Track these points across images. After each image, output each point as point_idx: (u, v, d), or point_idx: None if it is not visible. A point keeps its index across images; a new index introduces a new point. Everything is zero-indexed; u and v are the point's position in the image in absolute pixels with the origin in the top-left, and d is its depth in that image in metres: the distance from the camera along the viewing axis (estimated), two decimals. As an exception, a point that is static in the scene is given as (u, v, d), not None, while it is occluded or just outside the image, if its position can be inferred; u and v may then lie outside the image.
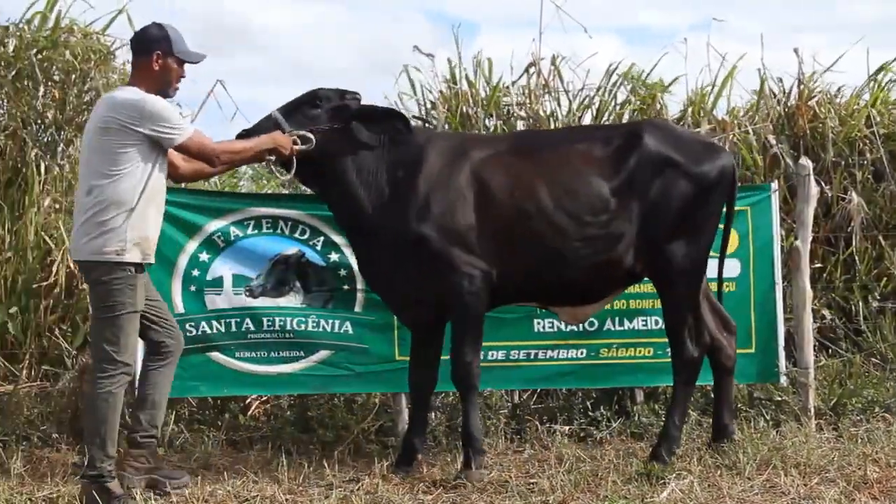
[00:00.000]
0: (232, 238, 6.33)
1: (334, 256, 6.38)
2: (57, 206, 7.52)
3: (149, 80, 5.20)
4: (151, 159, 5.10)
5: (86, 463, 5.06)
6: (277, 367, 6.31)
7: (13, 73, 7.28)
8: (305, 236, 6.39)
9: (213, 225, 6.32)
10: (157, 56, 5.19)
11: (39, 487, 5.14)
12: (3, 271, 7.16)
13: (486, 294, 5.49)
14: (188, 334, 6.19)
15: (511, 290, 5.63)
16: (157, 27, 5.31)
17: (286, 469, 5.49)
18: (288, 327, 6.32)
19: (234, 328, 6.29)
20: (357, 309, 6.38)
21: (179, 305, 6.24)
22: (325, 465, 5.57)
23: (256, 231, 6.34)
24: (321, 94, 5.59)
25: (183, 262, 6.27)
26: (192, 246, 6.29)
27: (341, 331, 6.37)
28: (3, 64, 7.30)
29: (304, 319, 6.35)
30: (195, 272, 6.28)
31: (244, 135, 5.50)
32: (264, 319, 6.30)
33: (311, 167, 5.54)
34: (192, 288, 6.27)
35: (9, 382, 6.80)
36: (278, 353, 6.32)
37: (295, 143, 5.39)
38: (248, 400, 6.62)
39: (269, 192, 8.73)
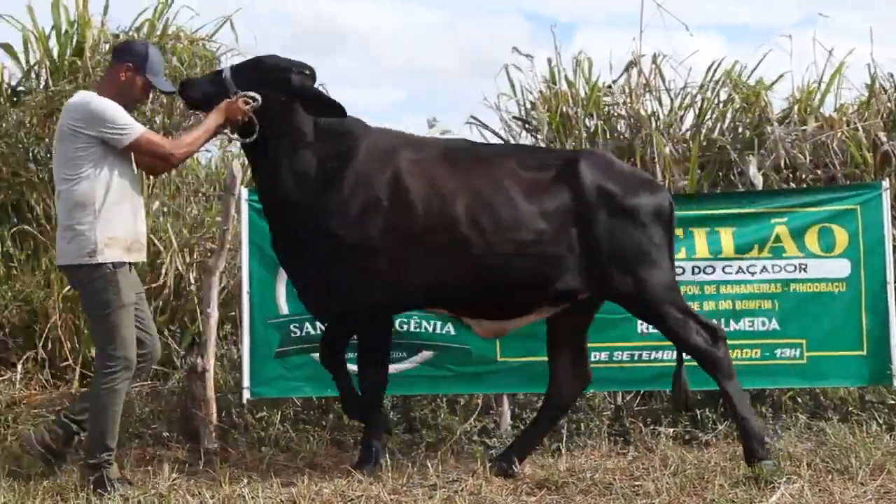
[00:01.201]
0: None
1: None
2: (165, 209, 7.70)
3: (112, 87, 5.29)
4: (110, 159, 5.15)
5: (84, 453, 5.26)
6: (381, 368, 6.34)
7: (123, 79, 7.42)
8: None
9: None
10: (126, 67, 5.28)
11: (153, 484, 5.22)
12: (115, 273, 7.33)
13: (379, 302, 5.48)
14: (293, 335, 6.28)
15: (421, 297, 5.57)
16: (141, 44, 5.46)
17: (390, 469, 5.52)
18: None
19: (337, 329, 6.34)
20: (459, 310, 6.38)
21: (284, 307, 6.32)
22: (429, 465, 5.57)
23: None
24: (269, 61, 5.53)
25: (286, 264, 6.33)
26: (296, 248, 6.35)
27: (443, 332, 6.39)
28: (113, 71, 7.48)
29: (406, 320, 6.38)
30: (300, 274, 6.34)
31: (183, 85, 5.59)
32: (368, 321, 6.34)
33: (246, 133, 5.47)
34: (297, 290, 6.34)
35: (121, 382, 6.96)
36: (381, 354, 6.35)
37: (247, 102, 5.33)
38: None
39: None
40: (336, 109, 5.44)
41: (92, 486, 5.06)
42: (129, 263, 5.24)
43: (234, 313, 6.93)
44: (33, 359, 7.07)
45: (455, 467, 5.73)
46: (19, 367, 6.98)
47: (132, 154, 5.26)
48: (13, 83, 7.98)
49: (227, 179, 6.59)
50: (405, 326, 6.36)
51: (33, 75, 7.90)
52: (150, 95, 5.50)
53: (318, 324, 6.29)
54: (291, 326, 6.31)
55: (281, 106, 5.39)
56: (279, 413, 6.42)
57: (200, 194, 7.94)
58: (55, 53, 7.89)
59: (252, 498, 4.99)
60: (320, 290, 5.52)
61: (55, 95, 7.29)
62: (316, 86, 5.56)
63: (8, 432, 6.27)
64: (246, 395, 6.33)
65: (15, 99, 7.81)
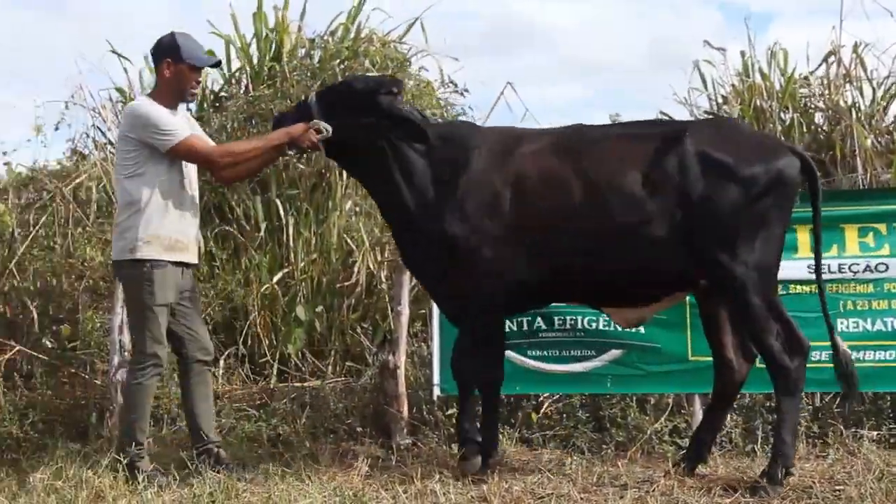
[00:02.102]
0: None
1: (624, 255, 6.33)
2: (357, 209, 7.87)
3: (164, 87, 5.47)
4: (157, 162, 5.32)
5: (116, 448, 5.44)
6: (569, 366, 6.33)
7: (318, 83, 7.63)
8: (596, 235, 6.35)
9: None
10: (167, 64, 5.44)
11: (348, 480, 5.31)
12: (310, 272, 7.55)
13: (503, 298, 5.44)
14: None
15: (550, 291, 5.54)
16: (168, 37, 5.51)
17: (580, 468, 5.49)
18: (579, 326, 6.33)
19: (525, 327, 6.36)
20: (649, 307, 6.30)
21: (473, 304, 6.35)
22: (619, 465, 5.52)
23: (547, 230, 6.36)
24: (355, 85, 5.60)
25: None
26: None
27: (632, 330, 6.30)
28: (309, 74, 7.70)
29: (594, 318, 6.34)
30: (488, 272, 6.38)
31: (276, 119, 5.71)
32: (556, 318, 6.34)
33: (344, 157, 5.67)
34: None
35: (316, 378, 7.16)
36: (570, 352, 6.35)
37: (318, 131, 5.40)
38: (541, 398, 6.66)
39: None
40: (419, 136, 5.46)
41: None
42: (174, 264, 5.41)
43: (424, 311, 7.02)
44: (234, 354, 7.33)
45: (645, 467, 5.67)
46: (221, 362, 7.25)
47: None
48: (216, 89, 8.33)
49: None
50: (594, 325, 6.33)
51: (234, 81, 8.22)
52: (202, 78, 5.64)
53: (507, 321, 6.31)
54: (482, 324, 6.35)
55: (375, 127, 5.44)
56: (469, 410, 6.44)
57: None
58: (255, 60, 8.20)
59: (443, 494, 5.02)
60: (453, 294, 5.58)
61: (255, 100, 7.56)
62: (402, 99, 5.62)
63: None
64: (436, 391, 6.43)
65: (217, 104, 8.15)
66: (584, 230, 5.28)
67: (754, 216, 5.17)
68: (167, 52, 5.47)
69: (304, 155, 5.92)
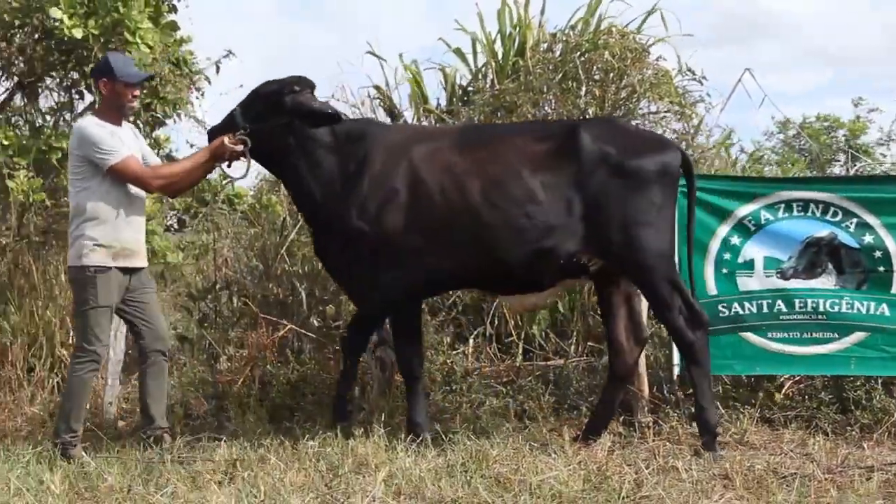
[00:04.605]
0: (762, 222, 6.47)
1: (868, 238, 6.32)
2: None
3: (106, 106, 5.88)
4: (102, 175, 5.68)
5: (52, 433, 5.85)
6: (810, 348, 6.36)
7: (559, 75, 7.89)
8: (837, 218, 6.37)
9: (744, 210, 6.50)
10: (104, 83, 5.80)
11: (592, 455, 5.49)
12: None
13: (406, 291, 5.79)
14: (720, 315, 6.42)
15: (445, 280, 5.91)
16: (103, 59, 5.93)
17: (823, 449, 5.54)
18: (820, 309, 6.36)
19: (765, 309, 6.44)
20: (894, 290, 6.27)
21: (712, 287, 6.50)
22: (864, 447, 5.53)
23: (787, 214, 6.42)
24: (262, 90, 5.85)
25: (715, 246, 6.52)
26: (723, 230, 6.52)
27: (877, 312, 6.28)
28: (551, 67, 7.94)
29: (837, 301, 6.36)
30: (727, 255, 6.51)
31: (210, 131, 6.01)
32: (796, 301, 6.39)
33: (269, 160, 5.97)
34: (724, 270, 6.51)
35: (559, 357, 7.44)
36: (811, 334, 6.38)
37: (244, 142, 5.75)
38: (781, 379, 6.70)
39: (798, 175, 8.67)
40: (329, 118, 5.82)
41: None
42: (120, 269, 5.80)
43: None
44: (482, 334, 7.64)
45: (893, 450, 5.66)
46: (470, 341, 7.56)
47: None
48: (463, 84, 8.72)
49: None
50: (836, 307, 6.34)
51: (480, 76, 8.58)
52: (138, 92, 6.01)
53: (746, 304, 6.43)
54: (720, 306, 6.47)
55: (286, 126, 5.81)
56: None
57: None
58: (500, 55, 8.54)
59: (685, 471, 5.15)
60: (357, 285, 5.93)
61: (500, 94, 7.87)
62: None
63: (463, 399, 6.89)
64: (676, 371, 6.57)
65: (465, 98, 8.53)
66: (481, 223, 5.59)
67: (647, 204, 5.58)
68: (103, 72, 5.91)
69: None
